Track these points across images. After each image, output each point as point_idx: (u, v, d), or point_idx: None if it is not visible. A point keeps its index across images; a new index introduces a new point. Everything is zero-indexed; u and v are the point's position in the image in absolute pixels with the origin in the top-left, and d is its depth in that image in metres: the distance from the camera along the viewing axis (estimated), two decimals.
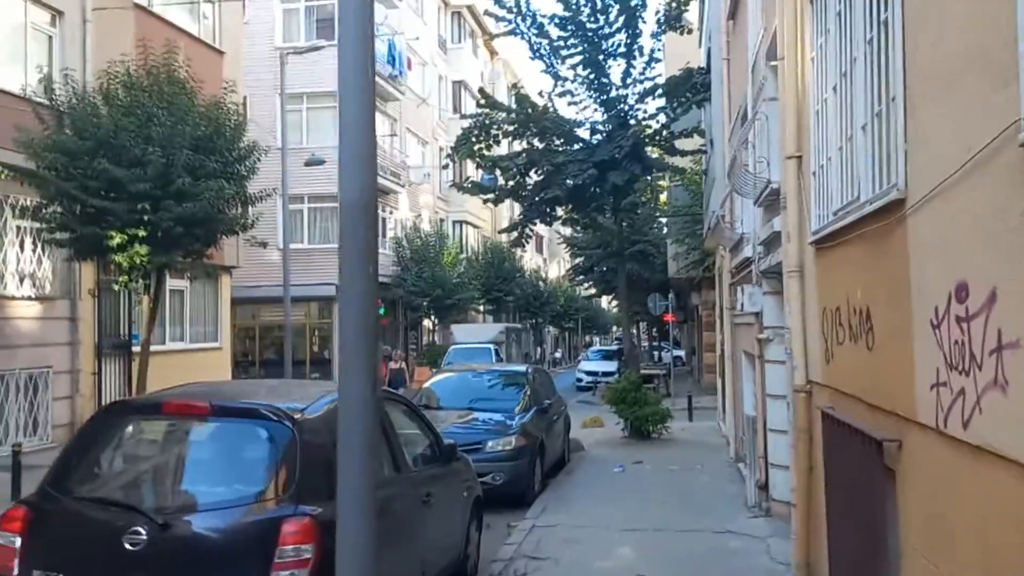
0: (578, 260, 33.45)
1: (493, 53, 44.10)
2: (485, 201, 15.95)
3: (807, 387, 5.95)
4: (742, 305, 8.95)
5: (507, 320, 49.65)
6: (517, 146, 15.13)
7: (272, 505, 4.13)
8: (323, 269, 27.84)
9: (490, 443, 9.76)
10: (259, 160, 13.67)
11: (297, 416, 4.34)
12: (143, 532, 3.94)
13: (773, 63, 7.19)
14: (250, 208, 14.17)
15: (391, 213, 31.48)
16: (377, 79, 24.88)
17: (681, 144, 15.60)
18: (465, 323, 37.72)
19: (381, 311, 28.64)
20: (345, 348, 3.18)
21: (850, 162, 4.54)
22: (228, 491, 4.23)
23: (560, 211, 15.98)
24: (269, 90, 28.28)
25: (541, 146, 14.82)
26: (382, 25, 28.67)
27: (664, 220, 29.32)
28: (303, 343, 28.89)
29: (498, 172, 14.74)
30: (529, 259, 55.18)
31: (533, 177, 15.24)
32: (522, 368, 12.01)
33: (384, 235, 30.89)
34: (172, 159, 11.85)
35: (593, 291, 38.48)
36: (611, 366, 30.72)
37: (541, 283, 49.52)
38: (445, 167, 15.94)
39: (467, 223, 38.96)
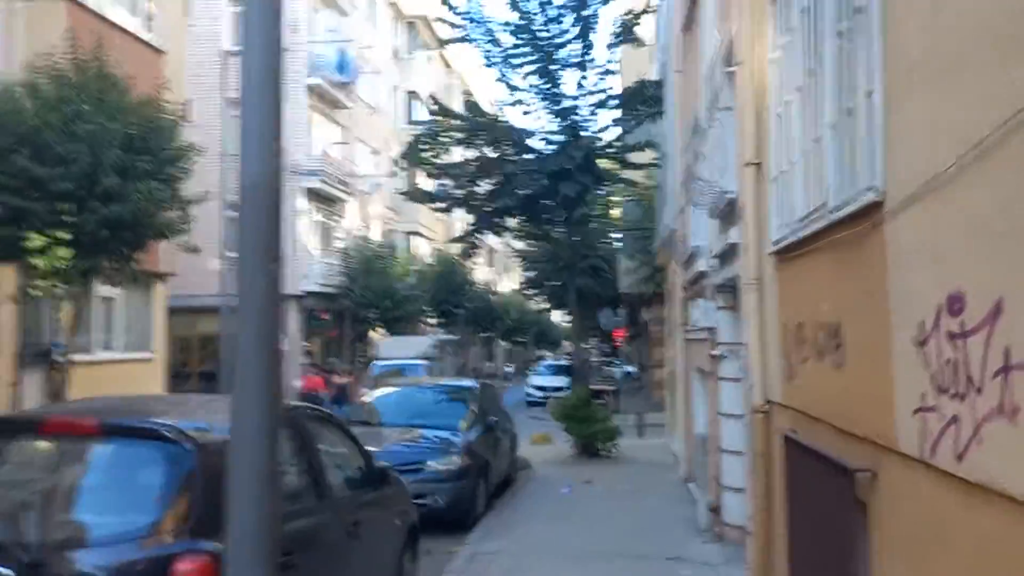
0: (529, 274, 33.09)
1: (448, 64, 43.71)
2: (435, 210, 15.47)
3: (765, 407, 5.60)
4: (695, 320, 8.62)
5: (458, 333, 49.16)
6: (468, 154, 14.72)
7: (166, 539, 3.59)
8: None
9: (431, 463, 9.25)
10: (194, 161, 12.98)
11: (199, 437, 3.81)
12: (11, 572, 3.38)
13: (730, 69, 6.89)
14: (184, 211, 13.45)
15: (339, 222, 30.78)
16: (327, 86, 24.30)
17: (634, 157, 15.35)
18: (412, 334, 37.07)
19: (326, 322, 27.91)
20: (241, 358, 2.69)
21: (816, 166, 4.20)
22: (115, 523, 3.68)
23: (511, 221, 15.56)
24: (217, 95, 27.47)
25: (493, 155, 14.43)
26: (332, 31, 28.14)
27: (616, 235, 29.15)
28: None
29: (448, 180, 14.30)
30: (481, 273, 54.77)
31: (484, 186, 14.84)
32: (468, 383, 11.53)
33: (331, 245, 30.19)
34: (99, 158, 11.15)
35: (545, 305, 38.11)
36: (562, 381, 30.33)
37: (492, 296, 49.08)
38: (394, 174, 15.36)
39: (418, 234, 38.39)
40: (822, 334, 4.09)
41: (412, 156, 14.32)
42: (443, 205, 14.97)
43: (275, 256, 2.75)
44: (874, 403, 3.32)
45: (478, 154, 14.32)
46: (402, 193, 15.42)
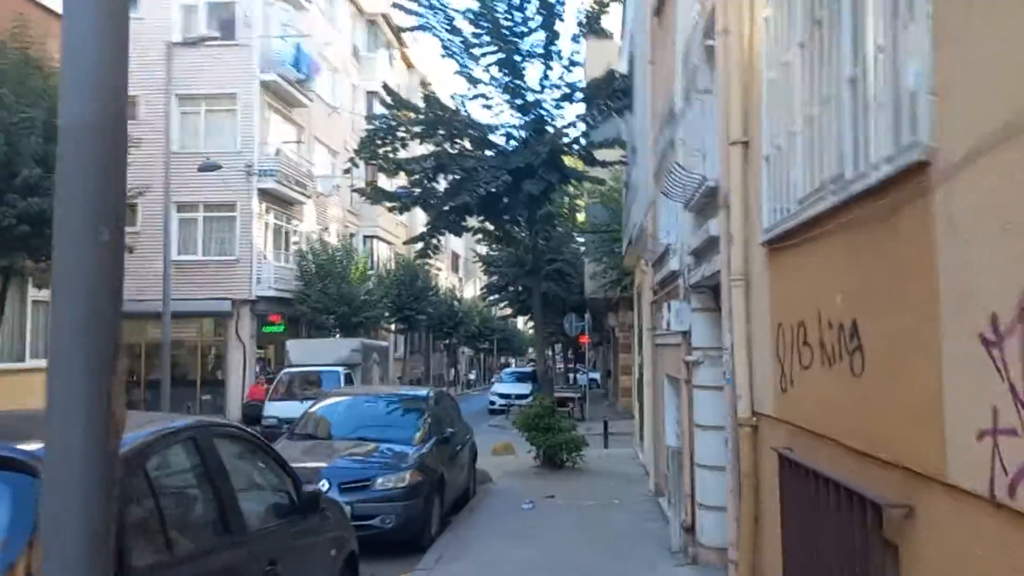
0: (493, 278, 32.33)
1: (410, 64, 42.87)
2: (391, 209, 14.65)
3: (753, 421, 4.90)
4: (668, 323, 7.94)
5: (420, 341, 48.17)
6: (426, 150, 13.93)
7: None
8: (219, 283, 25.99)
9: (380, 480, 8.43)
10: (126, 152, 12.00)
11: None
12: None
13: (710, 42, 6.21)
14: None
15: (295, 225, 29.76)
16: (283, 83, 23.31)
17: (601, 155, 14.68)
18: (374, 340, 36.06)
19: (280, 327, 26.86)
20: (54, 359, 1.90)
21: (824, 134, 3.50)
22: None
23: (471, 221, 14.81)
24: (165, 92, 26.32)
25: (452, 151, 13.67)
26: (287, 26, 27.18)
27: (582, 239, 28.57)
28: (194, 362, 26.82)
29: (403, 176, 13.49)
30: (444, 278, 53.88)
31: (442, 183, 14.07)
32: (422, 392, 10.72)
33: (287, 247, 29.16)
34: (18, 147, 10.20)
35: (508, 311, 37.37)
36: (525, 388, 29.60)
37: (456, 303, 48.22)
38: (347, 171, 14.51)
39: (378, 238, 37.44)
40: (831, 335, 3.39)
41: (366, 151, 13.49)
42: (398, 204, 14.14)
43: (114, 216, 1.96)
44: (909, 419, 2.61)
45: (436, 148, 13.52)
46: (356, 191, 14.50)
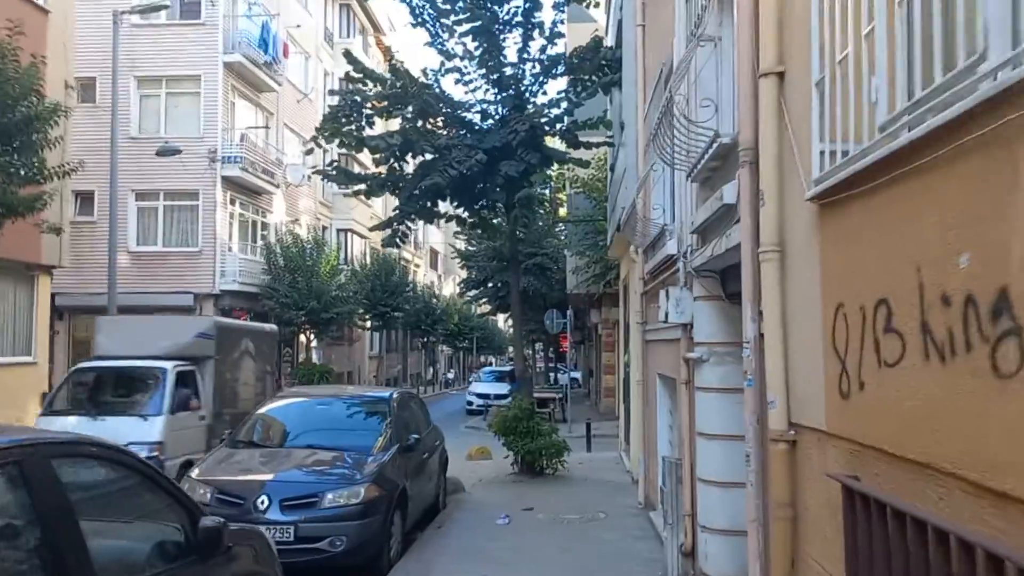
0: (472, 272, 31.10)
1: (385, 52, 41.55)
2: (356, 193, 13.40)
3: (790, 435, 3.76)
4: (665, 315, 6.80)
5: (396, 339, 46.84)
6: (394, 126, 12.70)
7: None
8: (181, 276, 24.61)
9: (330, 495, 7.23)
10: (54, 124, 10.73)
11: None
12: None
13: None
14: (48, 185, 11.21)
15: (264, 216, 28.39)
16: (249, 65, 21.94)
17: (586, 136, 13.53)
18: (341, 342, 34.70)
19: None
20: None
21: (929, 19, 2.36)
22: None
23: (444, 207, 13.62)
24: (124, 73, 24.89)
25: (423, 128, 12.46)
26: (254, 4, 25.82)
27: (563, 228, 27.48)
28: None
29: (368, 155, 12.28)
30: (423, 275, 52.63)
31: (411, 165, 12.86)
32: (384, 394, 9.48)
33: (255, 240, 27.79)
34: None
35: (487, 307, 36.17)
36: (504, 388, 28.42)
37: (434, 300, 46.99)
38: (309, 152, 13.25)
39: (352, 232, 36.09)
40: (948, 315, 2.25)
41: (328, 128, 12.26)
42: (365, 188, 12.90)
43: None
44: None
45: (404, 123, 12.28)
46: (318, 172, 13.25)
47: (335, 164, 12.63)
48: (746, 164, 4.41)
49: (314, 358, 31.50)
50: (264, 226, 28.40)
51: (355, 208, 34.52)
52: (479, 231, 13.53)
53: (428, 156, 12.11)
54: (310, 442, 8.35)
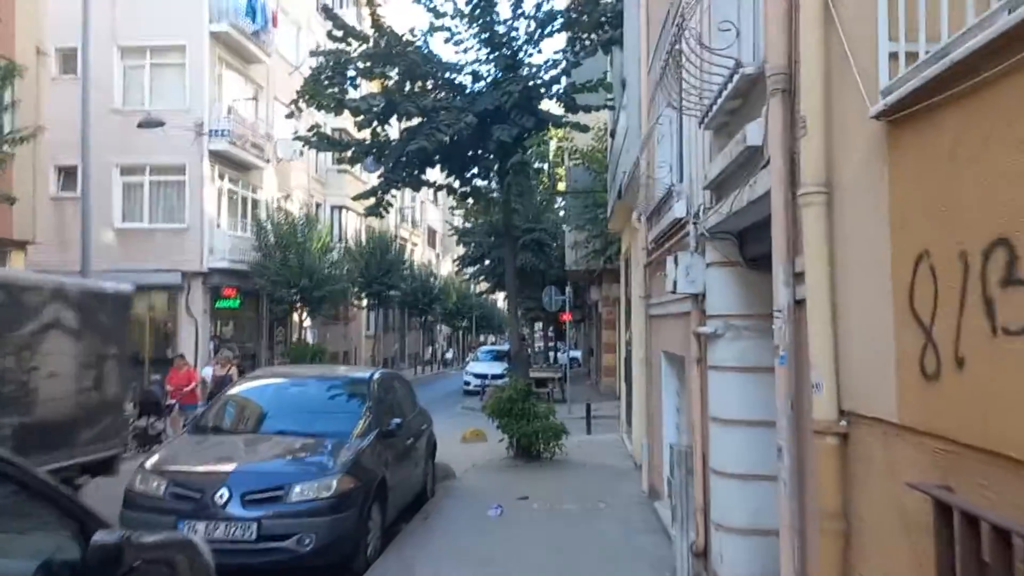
0: (470, 248, 30.22)
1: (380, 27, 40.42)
2: (339, 161, 12.55)
3: (841, 427, 2.96)
4: (674, 284, 5.99)
5: (394, 319, 46.09)
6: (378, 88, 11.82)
7: None
8: (168, 253, 23.77)
9: (298, 488, 6.45)
10: (8, 86, 9.88)
11: None
12: None
13: None
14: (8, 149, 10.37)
15: (254, 192, 27.50)
16: (236, 34, 20.96)
17: (584, 100, 12.65)
18: (336, 321, 33.95)
19: (235, 302, 24.78)
20: None
21: None
22: None
23: (433, 176, 12.78)
24: (106, 43, 23.95)
25: (408, 91, 11.59)
26: None
27: (562, 204, 26.63)
28: (142, 340, 24.60)
29: (350, 117, 11.42)
30: (421, 253, 51.78)
31: (397, 130, 12.02)
32: (364, 374, 8.66)
33: (244, 216, 26.93)
34: None
35: (484, 286, 35.36)
36: (502, 368, 27.66)
37: (432, 278, 46.15)
38: (290, 116, 12.38)
39: (347, 208, 35.19)
40: None
41: (309, 90, 11.40)
42: (348, 155, 12.05)
43: None
44: None
45: (390, 84, 11.40)
46: (298, 139, 12.39)
47: (316, 130, 11.77)
48: (777, 93, 3.59)
49: (308, 338, 30.75)
50: (255, 202, 27.53)
51: (349, 184, 33.60)
52: (471, 201, 12.63)
53: (415, 121, 11.25)
54: (281, 427, 7.58)
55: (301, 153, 30.53)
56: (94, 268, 23.36)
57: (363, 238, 35.07)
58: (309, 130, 11.75)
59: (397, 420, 8.00)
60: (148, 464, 6.83)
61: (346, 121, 12.03)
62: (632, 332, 12.58)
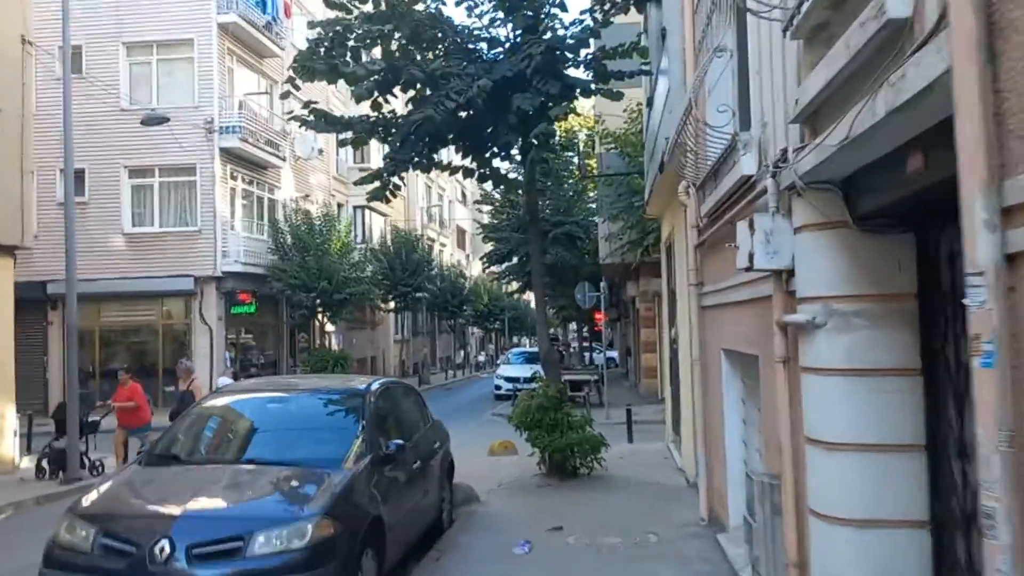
0: (496, 245, 28.69)
1: None
2: (342, 143, 11.10)
3: None
4: (749, 258, 4.42)
5: (424, 322, 44.74)
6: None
7: None
8: (179, 257, 22.63)
9: (261, 538, 4.97)
10: None
11: None
12: None
13: None
14: None
15: (270, 192, 26.29)
16: (246, 26, 19.64)
17: (616, 66, 11.06)
18: (363, 326, 32.67)
19: (252, 308, 23.57)
20: None
21: None
22: None
23: (448, 157, 11.30)
24: (111, 40, 22.92)
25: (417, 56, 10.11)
26: None
27: (593, 195, 25.01)
28: (155, 349, 23.53)
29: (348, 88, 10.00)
30: (449, 254, 50.44)
31: (402, 102, 10.55)
32: (360, 386, 7.12)
33: (260, 217, 25.73)
34: None
35: (515, 286, 33.82)
36: (534, 371, 26.02)
37: (462, 279, 44.73)
38: (285, 96, 10.97)
39: (371, 209, 33.90)
40: None
41: (303, 61, 9.99)
42: (350, 135, 10.62)
43: None
44: None
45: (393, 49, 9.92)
46: (292, 118, 10.97)
47: (312, 105, 10.33)
48: None
49: (333, 344, 29.50)
50: (272, 203, 26.33)
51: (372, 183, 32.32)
52: (490, 183, 11.09)
53: (418, 82, 9.76)
54: (254, 455, 6.13)
55: (320, 151, 29.37)
56: (103, 275, 22.37)
57: (388, 238, 33.76)
58: (304, 107, 10.30)
59: (398, 441, 6.49)
60: (79, 508, 5.41)
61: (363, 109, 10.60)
62: (678, 328, 10.99)
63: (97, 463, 11.94)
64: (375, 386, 7.02)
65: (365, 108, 10.45)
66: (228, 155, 23.16)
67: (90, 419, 12.30)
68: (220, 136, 22.63)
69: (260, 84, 25.92)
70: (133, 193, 23.15)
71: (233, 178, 23.88)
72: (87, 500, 5.51)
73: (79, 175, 22.92)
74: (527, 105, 9.72)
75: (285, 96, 11.10)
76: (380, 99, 9.96)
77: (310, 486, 5.55)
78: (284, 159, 26.16)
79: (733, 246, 4.66)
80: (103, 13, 22.60)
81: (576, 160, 28.38)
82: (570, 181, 27.81)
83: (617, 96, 10.46)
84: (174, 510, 5.21)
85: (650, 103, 11.25)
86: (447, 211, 50.67)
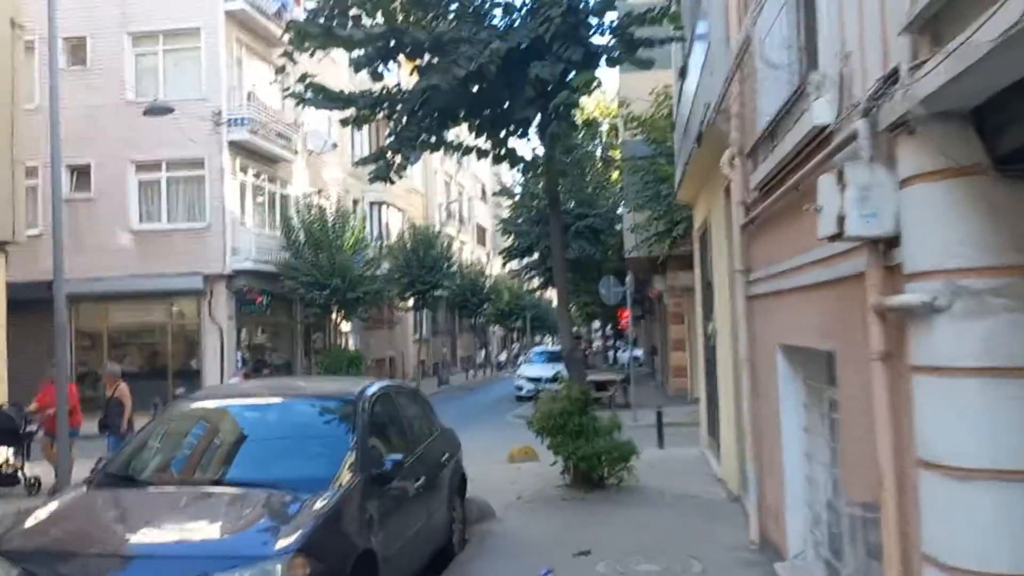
0: (515, 239, 27.71)
1: None
2: (344, 123, 10.11)
3: None
4: (838, 223, 3.35)
5: (445, 321, 43.78)
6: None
7: None
8: (189, 255, 21.80)
9: None
10: None
11: None
12: None
13: None
14: None
15: (282, 187, 25.44)
16: (253, 14, 18.62)
17: (643, 32, 10.00)
18: (380, 325, 31.79)
19: (262, 307, 22.71)
20: None
21: None
22: None
23: (460, 137, 10.31)
24: (116, 31, 22.17)
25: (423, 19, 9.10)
26: None
27: (619, 188, 23.93)
28: (164, 349, 22.75)
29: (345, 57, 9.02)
30: (470, 252, 49.48)
31: (406, 73, 9.56)
32: (351, 392, 6.09)
33: (272, 213, 24.90)
34: None
35: (536, 281, 32.79)
36: (556, 370, 24.91)
37: (483, 277, 43.73)
38: (281, 71, 9.98)
39: (388, 204, 33.01)
40: None
41: (296, 28, 9.04)
42: (352, 113, 9.65)
43: None
44: None
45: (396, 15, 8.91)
46: (288, 95, 9.99)
47: (308, 79, 9.36)
48: None
49: (350, 344, 28.63)
50: (284, 198, 25.49)
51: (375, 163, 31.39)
52: (507, 165, 10.05)
53: (424, 48, 8.75)
54: (222, 475, 5.15)
55: (335, 145, 28.53)
56: (111, 274, 21.61)
57: (406, 235, 32.85)
58: (300, 80, 9.34)
59: (396, 456, 5.48)
60: (2, 542, 4.45)
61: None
62: (716, 323, 9.91)
63: (33, 480, 10.81)
64: (370, 391, 5.99)
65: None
66: (237, 148, 22.32)
67: (27, 428, 11.15)
68: (229, 128, 21.79)
69: (271, 75, 25.04)
70: (141, 189, 22.37)
71: (243, 172, 23.04)
72: (15, 532, 4.55)
73: (84, 170, 22.27)
74: (546, 74, 8.70)
75: (280, 71, 10.12)
76: (382, 68, 8.97)
77: (285, 514, 4.56)
78: (296, 153, 25.31)
79: (813, 209, 3.59)
80: (107, 2, 21.85)
81: (598, 152, 27.37)
82: (592, 172, 26.78)
83: (647, 64, 9.38)
84: (116, 546, 4.24)
85: (683, 73, 10.17)
86: (466, 208, 49.73)
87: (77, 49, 22.10)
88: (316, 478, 4.96)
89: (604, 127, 28.88)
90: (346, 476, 5.05)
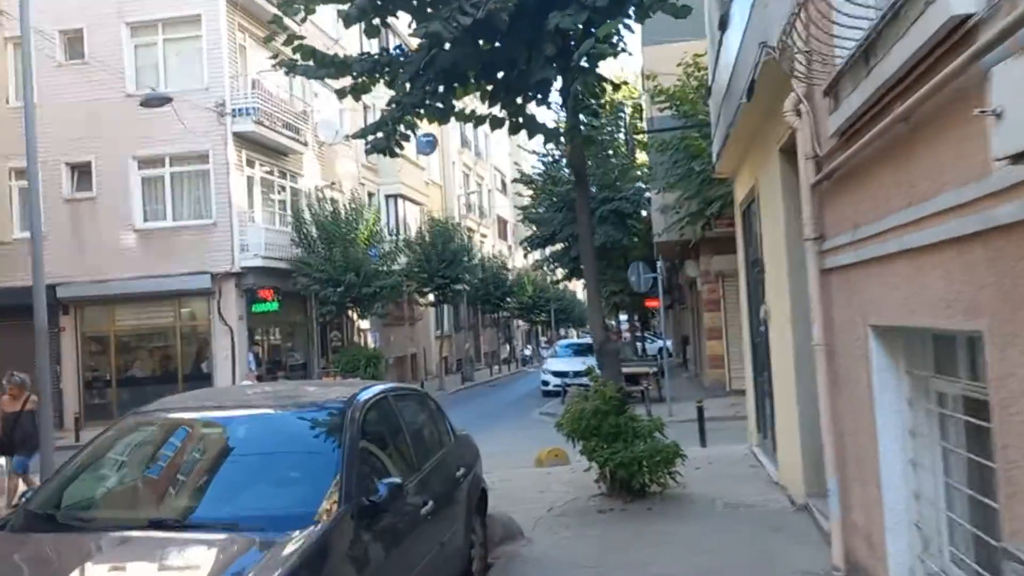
0: (537, 229, 26.54)
1: None
2: (340, 95, 9.00)
3: None
4: (1004, 154, 2.15)
5: (468, 316, 42.68)
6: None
7: None
8: (196, 253, 20.87)
9: None
10: None
11: None
12: None
13: None
14: None
15: (292, 180, 24.44)
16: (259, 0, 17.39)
17: None
18: (400, 322, 30.79)
19: (274, 305, 21.73)
20: None
21: None
22: None
23: (470, 105, 9.16)
24: (114, 21, 21.24)
25: None
26: None
27: (646, 170, 22.70)
28: (173, 352, 21.85)
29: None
30: (491, 245, 48.37)
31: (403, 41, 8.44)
32: (336, 401, 4.93)
33: (282, 208, 23.93)
34: None
35: (560, 272, 31.58)
36: (584, 364, 23.63)
37: (505, 270, 42.61)
38: (269, 39, 8.92)
39: (403, 197, 31.96)
40: None
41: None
42: (350, 82, 8.53)
43: None
44: None
45: None
46: (278, 64, 8.88)
47: (297, 39, 8.25)
48: None
49: (369, 341, 27.63)
50: (294, 192, 24.51)
51: (402, 169, 30.39)
52: (524, 135, 8.86)
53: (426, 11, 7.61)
54: (170, 513, 4.04)
55: (347, 136, 27.50)
56: (116, 276, 20.72)
57: (423, 228, 31.80)
58: (288, 43, 8.24)
59: (394, 480, 4.33)
60: None
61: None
62: (768, 305, 8.69)
63: None
64: (362, 398, 4.84)
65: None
66: (243, 140, 21.35)
67: None
68: (233, 119, 20.83)
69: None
70: (144, 185, 21.45)
71: (250, 165, 22.07)
72: None
73: (85, 168, 21.37)
74: (568, 24, 7.52)
75: (269, 40, 9.02)
76: (377, 23, 7.83)
77: (242, 568, 3.44)
78: (306, 144, 24.31)
79: (986, 112, 2.40)
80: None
81: (623, 135, 26.11)
82: (617, 156, 25.54)
83: (683, 11, 8.15)
84: None
85: (724, 24, 8.93)
86: (486, 200, 48.61)
87: (74, 42, 21.23)
88: (287, 515, 3.85)
89: (628, 110, 27.64)
90: (329, 509, 3.92)
